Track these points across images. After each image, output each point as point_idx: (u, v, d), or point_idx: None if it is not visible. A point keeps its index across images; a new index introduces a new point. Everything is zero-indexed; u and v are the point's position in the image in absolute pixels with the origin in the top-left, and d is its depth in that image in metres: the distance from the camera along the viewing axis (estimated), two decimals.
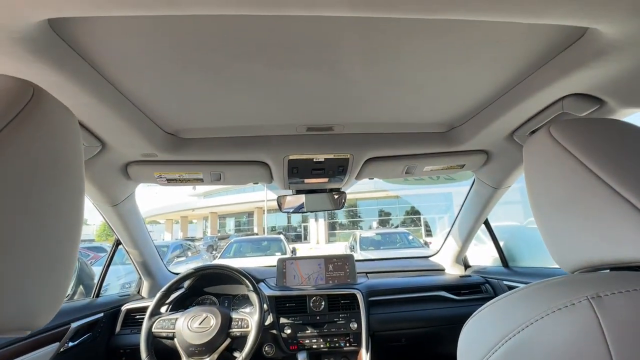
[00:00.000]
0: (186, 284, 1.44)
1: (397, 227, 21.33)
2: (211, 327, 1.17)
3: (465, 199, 1.61)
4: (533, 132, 0.96)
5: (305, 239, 21.82)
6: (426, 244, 8.05)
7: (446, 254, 1.89)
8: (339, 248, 10.22)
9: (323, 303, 1.47)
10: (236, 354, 1.23)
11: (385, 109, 0.90)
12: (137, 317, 1.41)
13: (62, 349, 1.09)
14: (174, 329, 1.19)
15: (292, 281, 1.59)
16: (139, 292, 1.66)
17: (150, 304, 1.39)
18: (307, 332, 1.39)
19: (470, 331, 0.48)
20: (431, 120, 1.00)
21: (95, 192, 1.09)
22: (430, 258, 2.07)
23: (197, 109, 0.83)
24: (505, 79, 0.76)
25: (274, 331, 1.39)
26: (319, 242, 20.57)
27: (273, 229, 21.80)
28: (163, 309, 1.32)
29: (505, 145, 1.08)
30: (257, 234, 21.08)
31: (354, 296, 1.48)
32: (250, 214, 23.87)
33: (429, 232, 17.20)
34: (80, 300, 1.32)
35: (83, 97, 0.65)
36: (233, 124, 0.94)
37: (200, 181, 1.17)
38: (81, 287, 1.39)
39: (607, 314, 0.31)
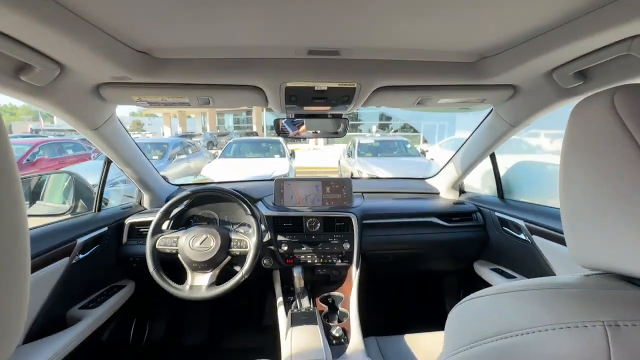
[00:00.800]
0: (185, 202, 1.46)
1: (396, 131, 21.23)
2: (211, 247, 1.24)
3: (476, 129, 1.51)
4: (579, 72, 0.81)
5: (305, 139, 21.91)
6: (423, 152, 8.13)
7: (444, 179, 1.89)
8: (338, 150, 10.37)
9: (319, 224, 1.53)
10: (237, 268, 1.33)
11: (404, 32, 0.73)
12: (142, 229, 1.48)
13: (73, 261, 1.17)
14: (176, 246, 1.26)
15: (290, 201, 1.62)
16: (140, 203, 1.71)
17: (152, 219, 1.44)
18: (302, 249, 1.49)
19: (464, 314, 0.47)
20: (457, 48, 0.83)
21: (69, 118, 0.98)
22: (426, 180, 2.08)
23: (174, 24, 0.67)
24: (563, 9, 0.58)
25: (272, 247, 1.48)
26: (317, 143, 20.78)
27: (272, 128, 21.65)
28: (164, 226, 1.38)
29: (540, 83, 0.93)
30: (256, 133, 21.09)
31: (348, 219, 1.53)
32: (249, 112, 23.35)
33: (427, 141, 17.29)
34: (83, 215, 1.35)
35: (21, 18, 0.50)
36: (220, 44, 0.78)
37: (186, 105, 1.05)
38: (81, 201, 1.41)
39: (620, 347, 0.28)
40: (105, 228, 1.35)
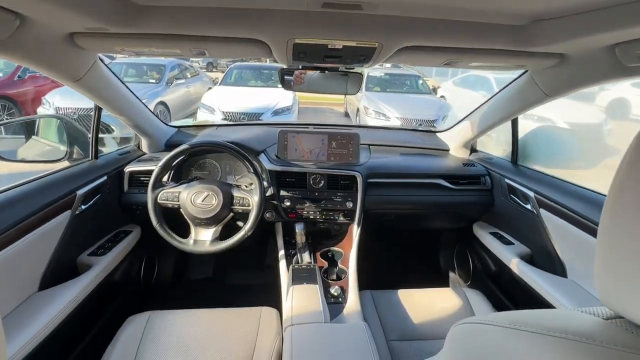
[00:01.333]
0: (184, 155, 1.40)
1: None
2: (213, 204, 1.22)
3: (504, 88, 1.36)
4: None
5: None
6: (434, 89, 7.69)
7: (456, 135, 1.80)
8: None
9: (323, 181, 1.50)
10: (240, 223, 1.35)
11: None
12: (142, 178, 1.46)
13: (76, 213, 1.17)
14: (178, 201, 1.24)
15: (293, 154, 1.55)
16: (139, 147, 1.65)
17: (152, 168, 1.40)
18: (305, 205, 1.48)
19: (470, 341, 0.45)
20: (509, 6, 0.68)
21: (46, 70, 0.86)
22: (438, 134, 1.98)
23: None
24: None
25: (275, 202, 1.48)
26: None
27: None
28: (165, 178, 1.34)
29: (597, 56, 0.79)
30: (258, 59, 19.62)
31: (353, 178, 1.49)
32: None
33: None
34: (80, 163, 1.31)
35: None
36: None
37: (178, 55, 0.92)
38: (76, 147, 1.35)
39: None
40: (105, 177, 1.32)
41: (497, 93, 1.45)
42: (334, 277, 1.37)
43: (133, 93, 1.36)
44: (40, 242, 1.02)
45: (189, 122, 5.35)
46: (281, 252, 1.44)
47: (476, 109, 1.61)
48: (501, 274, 1.49)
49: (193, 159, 1.56)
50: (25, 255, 0.95)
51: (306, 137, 1.54)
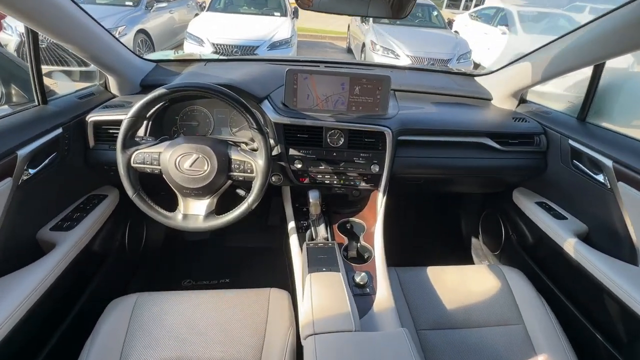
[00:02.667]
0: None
1: None
2: (205, 171, 0.94)
3: (585, 25, 1.00)
4: None
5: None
6: (449, 23, 6.85)
7: (503, 82, 1.45)
8: None
9: (343, 138, 1.20)
10: (240, 191, 1.08)
11: None
12: (112, 130, 1.13)
13: (21, 180, 0.88)
14: (158, 164, 0.95)
15: (305, 102, 1.22)
16: (106, 88, 1.29)
17: (122, 118, 1.08)
18: (320, 167, 1.20)
19: None
20: None
21: None
22: (477, 79, 1.63)
23: None
24: None
25: (282, 162, 1.19)
26: None
27: None
28: (141, 132, 1.03)
29: None
30: None
31: (381, 135, 1.19)
32: None
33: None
34: (20, 110, 0.97)
35: None
36: None
37: None
38: (14, 86, 1.00)
39: None
40: (59, 130, 1.00)
41: (575, 30, 1.08)
42: (354, 254, 1.15)
43: (87, 13, 0.97)
44: None
45: (170, 54, 4.70)
46: (291, 225, 1.19)
47: (540, 48, 1.25)
48: (546, 251, 1.29)
49: (177, 106, 1.22)
50: None
51: (322, 79, 1.19)
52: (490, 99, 1.50)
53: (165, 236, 1.66)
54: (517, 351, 0.99)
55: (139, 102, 0.91)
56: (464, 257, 1.75)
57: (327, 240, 1.14)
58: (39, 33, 0.93)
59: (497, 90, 1.48)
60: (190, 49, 5.11)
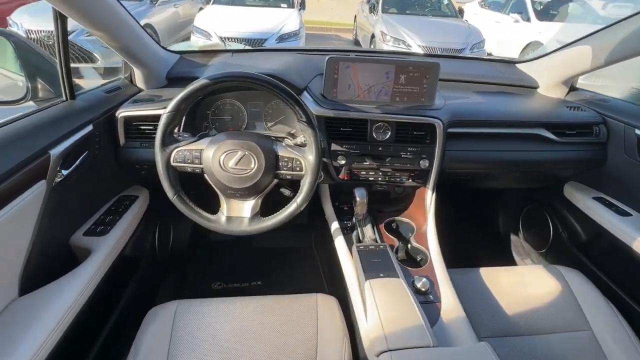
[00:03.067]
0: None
1: None
2: (252, 169, 0.86)
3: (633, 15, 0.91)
4: None
5: None
6: (460, 11, 6.67)
7: (551, 68, 1.35)
8: (355, 2, 8.49)
9: (389, 132, 1.11)
10: (285, 191, 1.00)
11: None
12: (143, 127, 1.05)
13: (55, 182, 0.80)
14: (200, 163, 0.87)
15: (345, 92, 1.13)
16: (131, 81, 1.21)
17: (154, 112, 1.01)
18: (364, 163, 1.12)
19: None
20: None
21: None
22: (518, 66, 1.53)
23: None
24: None
25: (324, 159, 1.11)
26: None
27: None
28: (175, 130, 0.95)
29: None
30: None
31: (431, 127, 1.10)
32: None
33: None
34: (49, 106, 0.89)
35: None
36: None
37: None
38: (40, 81, 0.92)
39: None
40: (90, 127, 0.92)
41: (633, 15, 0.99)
42: (404, 257, 1.08)
43: (123, 9, 0.89)
44: (8, 231, 0.67)
45: (190, 44, 4.53)
46: (334, 225, 1.11)
47: (598, 31, 1.15)
48: (606, 250, 1.20)
49: (209, 99, 1.14)
50: None
51: (365, 67, 1.10)
52: (536, 87, 1.40)
53: (190, 237, 1.59)
54: (587, 359, 0.91)
55: (180, 95, 0.83)
56: (502, 256, 1.67)
57: (376, 241, 1.06)
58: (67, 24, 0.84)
59: (544, 77, 1.38)
60: (197, 42, 5.01)
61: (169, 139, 0.86)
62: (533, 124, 1.17)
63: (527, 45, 5.86)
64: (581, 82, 1.43)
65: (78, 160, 0.88)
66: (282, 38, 5.03)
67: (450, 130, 1.13)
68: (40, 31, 4.25)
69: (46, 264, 0.83)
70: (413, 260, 1.06)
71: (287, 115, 1.18)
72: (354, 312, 0.92)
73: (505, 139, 1.18)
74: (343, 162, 1.10)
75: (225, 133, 0.90)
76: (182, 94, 0.83)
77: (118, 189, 1.13)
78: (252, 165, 0.86)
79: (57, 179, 0.81)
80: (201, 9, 7.22)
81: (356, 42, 7.89)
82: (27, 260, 0.75)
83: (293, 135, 1.08)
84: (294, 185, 0.99)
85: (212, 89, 0.83)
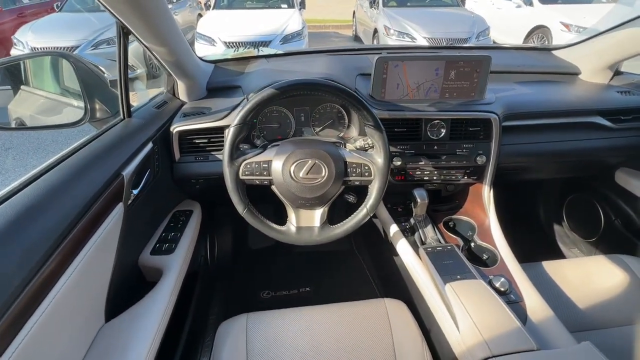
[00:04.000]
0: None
1: None
2: (323, 177, 0.84)
3: None
4: None
5: None
6: (462, 0, 6.61)
7: (593, 53, 1.32)
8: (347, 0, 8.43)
9: (444, 130, 1.09)
10: (349, 197, 0.98)
11: None
12: (197, 140, 1.04)
13: (129, 203, 0.79)
14: (269, 174, 0.86)
15: (395, 92, 1.11)
16: (174, 94, 1.19)
17: (208, 125, 0.99)
18: (420, 163, 1.10)
19: None
20: None
21: None
22: (554, 52, 1.50)
23: None
24: None
25: None
26: None
27: None
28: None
29: None
30: None
31: (486, 122, 1.08)
32: None
33: None
34: (110, 125, 0.88)
35: None
36: None
37: None
38: (97, 101, 0.90)
39: None
40: (150, 144, 0.91)
41: None
42: (467, 256, 1.06)
43: (176, 23, 0.87)
44: (96, 259, 0.66)
45: (222, 51, 4.48)
46: (393, 228, 1.10)
47: (630, 20, 1.12)
48: None
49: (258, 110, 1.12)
50: (80, 280, 0.61)
51: (414, 65, 1.08)
52: (577, 74, 1.38)
53: (233, 246, 1.58)
54: None
55: (246, 107, 0.81)
56: (547, 248, 1.65)
57: (439, 242, 1.04)
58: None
59: (587, 63, 1.35)
60: (201, 49, 4.98)
61: (236, 153, 0.84)
62: (588, 112, 1.15)
63: (532, 29, 5.81)
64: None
65: (144, 179, 0.87)
66: (286, 39, 5.00)
67: (504, 124, 1.11)
68: (45, 48, 4.25)
69: (122, 287, 0.82)
70: (479, 259, 1.04)
71: (334, 119, 1.16)
72: (429, 316, 0.90)
73: (559, 129, 1.16)
74: (399, 163, 1.09)
75: (290, 142, 0.89)
76: (248, 106, 0.81)
77: (173, 205, 1.12)
78: (323, 174, 0.84)
79: (129, 202, 0.80)
80: (200, 15, 7.21)
81: (356, 38, 7.84)
82: (110, 285, 0.74)
83: (345, 139, 1.07)
84: (357, 190, 0.98)
85: (279, 98, 0.82)
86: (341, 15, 9.83)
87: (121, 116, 0.91)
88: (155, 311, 0.77)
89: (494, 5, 6.94)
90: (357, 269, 1.58)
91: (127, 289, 0.85)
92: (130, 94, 0.90)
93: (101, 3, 0.68)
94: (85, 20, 4.89)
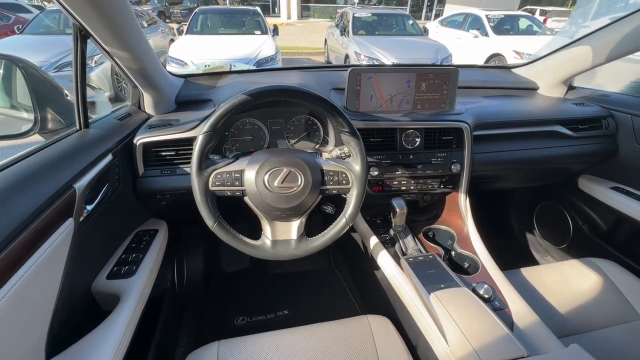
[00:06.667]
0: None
1: (380, 2, 18.30)
2: (300, 186, 0.80)
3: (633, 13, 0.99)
4: None
5: (274, 11, 18.72)
6: (425, 30, 7.10)
7: (548, 70, 1.42)
8: (319, 28, 8.82)
9: (418, 139, 1.10)
10: (326, 208, 0.94)
11: None
12: (164, 153, 0.97)
13: (81, 219, 0.70)
14: (241, 185, 0.80)
15: (369, 104, 1.12)
16: (140, 107, 1.13)
17: (176, 136, 0.94)
18: (396, 173, 1.09)
19: None
20: None
21: None
22: (514, 70, 1.60)
23: None
24: None
25: None
26: (290, 16, 17.91)
27: None
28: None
29: None
30: (216, 2, 17.61)
31: (458, 132, 1.10)
32: None
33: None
34: (64, 135, 0.80)
35: None
36: None
37: None
38: (50, 110, 0.82)
39: None
40: (110, 156, 0.83)
41: (628, 15, 1.08)
42: (448, 265, 1.04)
43: (141, 28, 0.83)
44: (37, 282, 0.57)
45: (192, 67, 4.43)
46: (373, 241, 1.06)
47: (589, 34, 1.23)
48: (633, 237, 1.23)
49: (228, 119, 1.08)
50: (15, 307, 0.51)
51: (386, 77, 1.10)
52: (536, 89, 1.47)
53: (204, 269, 1.47)
54: None
55: (217, 113, 0.77)
56: (520, 255, 1.67)
57: (421, 252, 1.02)
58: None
59: (543, 79, 1.45)
60: (172, 71, 4.92)
61: (205, 162, 0.79)
62: (549, 121, 1.21)
63: (490, 57, 6.31)
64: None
65: (100, 194, 0.79)
66: (259, 63, 5.06)
67: (474, 133, 1.14)
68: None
69: (71, 317, 0.71)
70: (460, 268, 1.02)
71: (310, 131, 1.14)
72: (415, 331, 0.86)
73: (525, 138, 1.20)
74: (376, 173, 1.07)
75: (264, 151, 0.85)
76: (218, 112, 0.77)
77: (135, 224, 1.02)
78: (299, 182, 0.80)
79: (82, 218, 0.71)
80: (172, 40, 7.20)
81: (329, 64, 8.12)
82: (54, 314, 0.63)
83: (321, 151, 1.04)
84: (335, 201, 0.94)
85: (251, 104, 0.78)
86: (313, 43, 10.21)
87: (77, 127, 0.84)
88: (108, 344, 0.66)
89: (454, 35, 7.52)
90: (337, 287, 1.51)
91: (77, 319, 0.75)
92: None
93: (57, 1, 0.63)
94: (49, 43, 4.72)
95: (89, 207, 0.74)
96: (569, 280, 1.06)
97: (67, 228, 0.64)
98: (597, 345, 0.89)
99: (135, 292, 0.79)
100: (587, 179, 1.36)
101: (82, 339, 0.67)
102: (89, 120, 0.89)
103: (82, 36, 0.75)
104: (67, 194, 0.66)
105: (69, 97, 0.87)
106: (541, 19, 9.54)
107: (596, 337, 0.92)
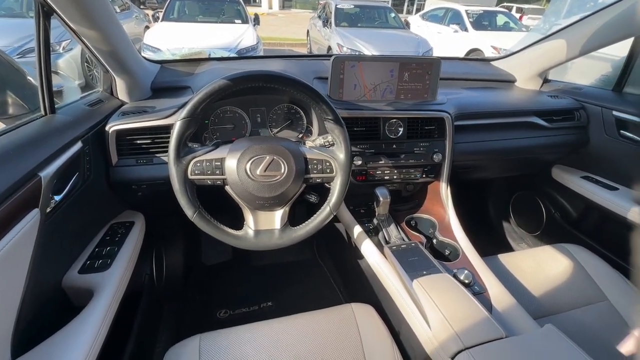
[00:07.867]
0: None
1: None
2: (283, 174, 0.79)
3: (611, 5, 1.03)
4: None
5: (255, 0, 18.26)
6: (407, 24, 7.14)
7: (525, 63, 1.46)
8: (301, 19, 8.69)
9: (401, 129, 1.11)
10: (310, 197, 0.93)
11: None
12: (139, 141, 0.93)
13: (48, 210, 0.66)
14: (222, 173, 0.78)
15: (352, 93, 1.11)
16: (112, 93, 1.07)
17: (154, 123, 0.90)
18: (379, 162, 1.10)
19: None
20: None
21: None
22: (493, 63, 1.63)
23: None
24: None
25: None
26: (272, 6, 17.54)
27: None
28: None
29: None
30: None
31: (440, 121, 1.12)
32: None
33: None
34: (27, 121, 0.74)
35: None
36: None
37: None
38: (10, 94, 0.76)
39: None
40: (79, 144, 0.78)
41: (600, 10, 1.12)
42: (430, 252, 1.06)
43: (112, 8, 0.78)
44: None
45: (166, 54, 4.21)
46: (357, 230, 1.06)
47: (562, 29, 1.27)
48: (600, 224, 1.30)
49: (209, 106, 1.04)
50: None
51: (370, 66, 1.09)
52: (513, 81, 1.51)
53: (184, 263, 1.43)
54: (612, 328, 0.95)
55: (195, 99, 0.74)
56: (497, 243, 1.74)
57: (403, 240, 1.03)
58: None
59: (520, 72, 1.49)
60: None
61: (183, 150, 0.76)
62: (526, 113, 1.24)
63: (469, 51, 6.44)
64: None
65: (70, 184, 0.74)
66: (240, 53, 4.93)
67: (456, 123, 1.15)
68: None
69: (39, 314, 0.67)
70: (441, 255, 1.04)
71: (293, 120, 1.12)
72: (398, 317, 0.87)
73: (503, 128, 1.23)
74: (359, 162, 1.07)
75: (246, 139, 0.82)
76: (197, 97, 0.74)
77: (109, 216, 0.98)
78: (282, 171, 0.78)
79: (49, 209, 0.67)
80: (147, 27, 6.89)
81: None
82: (20, 311, 0.59)
83: (304, 140, 1.03)
84: (318, 190, 0.93)
85: (232, 90, 0.76)
86: (295, 34, 10.07)
87: (42, 112, 0.78)
88: (80, 341, 0.63)
89: (435, 30, 7.61)
90: (321, 278, 1.52)
91: (47, 316, 0.71)
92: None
93: None
94: (11, 26, 4.40)
95: (57, 198, 0.69)
96: (542, 265, 1.11)
97: (32, 219, 0.60)
98: (569, 325, 0.94)
99: (110, 287, 0.76)
100: (560, 169, 1.42)
101: (52, 337, 0.63)
102: (56, 106, 0.84)
103: (44, 12, 0.69)
104: (32, 182, 0.61)
105: (33, 82, 0.80)
106: (517, 15, 9.84)
107: (568, 318, 0.96)
